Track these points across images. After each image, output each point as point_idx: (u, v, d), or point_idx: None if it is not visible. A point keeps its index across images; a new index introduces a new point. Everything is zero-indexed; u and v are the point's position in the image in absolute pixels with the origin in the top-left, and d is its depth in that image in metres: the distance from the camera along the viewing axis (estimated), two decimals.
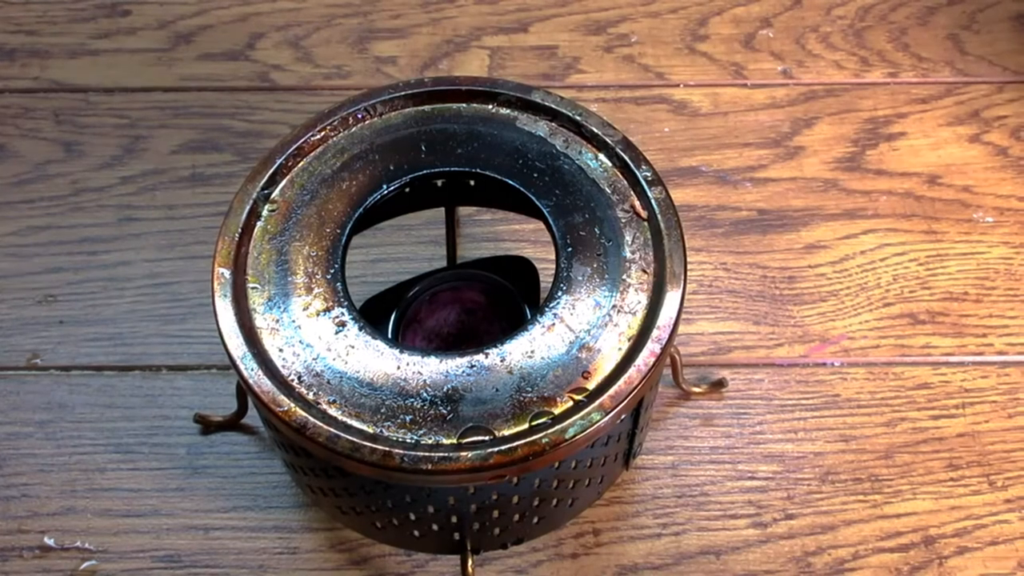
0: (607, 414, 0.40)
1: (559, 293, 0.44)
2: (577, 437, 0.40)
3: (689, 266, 0.60)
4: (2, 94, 0.69)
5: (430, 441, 0.40)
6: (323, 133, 0.48)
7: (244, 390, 0.51)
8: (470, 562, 0.47)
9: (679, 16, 0.73)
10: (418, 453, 0.39)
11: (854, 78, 0.70)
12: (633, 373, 0.41)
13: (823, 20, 0.73)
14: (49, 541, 0.52)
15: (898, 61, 0.70)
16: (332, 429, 0.40)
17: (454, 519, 0.45)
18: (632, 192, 0.47)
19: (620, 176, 0.47)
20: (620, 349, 0.42)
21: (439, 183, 0.52)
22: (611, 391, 0.41)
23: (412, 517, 0.45)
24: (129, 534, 0.52)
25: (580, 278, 0.44)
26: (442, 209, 0.54)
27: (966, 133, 0.67)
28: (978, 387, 0.57)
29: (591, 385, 0.41)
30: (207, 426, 0.55)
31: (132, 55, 0.70)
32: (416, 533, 0.46)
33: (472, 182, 0.51)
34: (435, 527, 0.45)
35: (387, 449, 0.39)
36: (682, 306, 0.43)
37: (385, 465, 0.39)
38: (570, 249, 0.45)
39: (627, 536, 0.52)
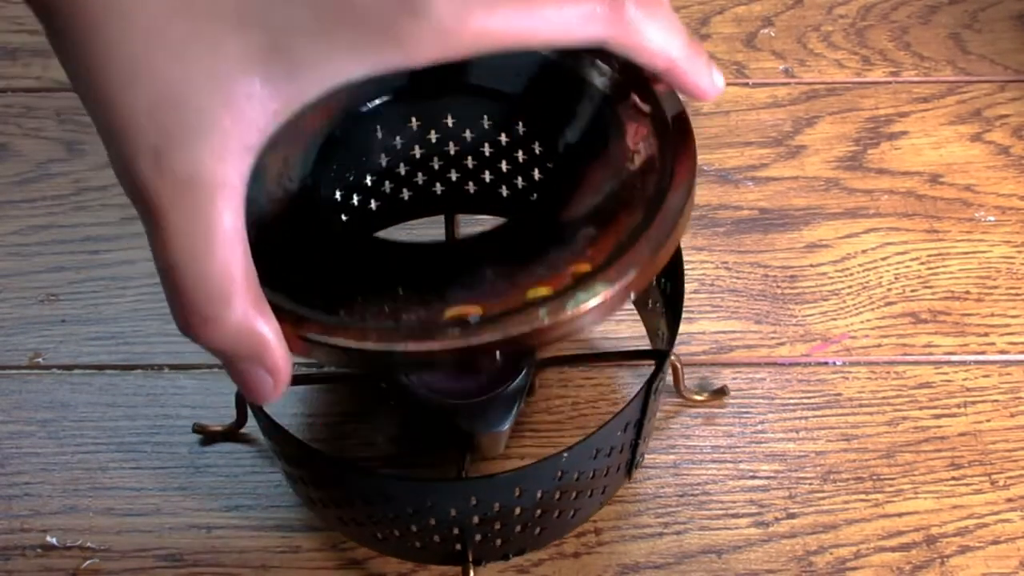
0: (612, 285, 0.36)
1: (558, 178, 0.41)
2: (580, 308, 0.35)
3: (690, 265, 0.61)
4: (4, 93, 0.69)
5: (413, 318, 0.36)
6: None
7: (243, 399, 0.51)
8: (471, 574, 0.47)
9: (680, 15, 0.72)
10: (399, 332, 0.35)
11: (856, 77, 0.70)
12: (641, 246, 0.37)
13: (824, 19, 0.73)
14: (51, 540, 0.52)
15: (900, 60, 0.70)
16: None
17: (456, 530, 0.44)
18: (633, 91, 0.43)
19: (620, 77, 0.44)
20: (625, 230, 0.38)
21: (439, 190, 0.53)
22: (616, 263, 0.36)
23: (413, 528, 0.44)
24: (131, 533, 0.52)
25: (581, 166, 0.41)
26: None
27: (968, 132, 0.67)
28: (980, 386, 0.57)
29: (593, 265, 0.37)
30: (206, 435, 0.55)
31: None
32: (417, 544, 0.46)
33: (472, 189, 0.51)
34: (436, 538, 0.45)
35: (362, 327, 0.35)
36: (692, 193, 0.39)
37: (362, 349, 0.35)
38: (568, 142, 0.42)
39: (629, 535, 0.52)
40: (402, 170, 0.53)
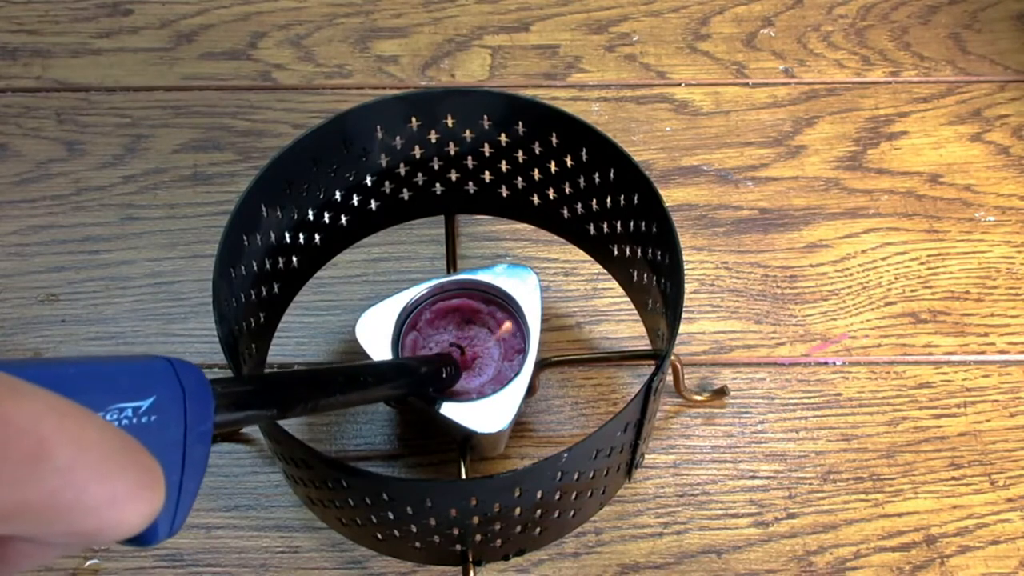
0: None
1: None
2: None
3: (690, 265, 0.61)
4: (4, 93, 0.69)
5: None
6: None
7: None
8: (471, 574, 0.47)
9: (680, 15, 0.73)
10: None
11: (855, 77, 0.70)
12: None
13: (824, 19, 0.73)
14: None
15: (899, 60, 0.70)
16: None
17: (456, 531, 0.44)
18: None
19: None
20: None
21: (439, 190, 0.52)
22: None
23: (414, 529, 0.44)
24: None
25: None
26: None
27: (967, 132, 0.67)
28: (980, 386, 0.57)
29: None
30: None
31: (134, 54, 0.70)
32: (417, 545, 0.46)
33: (472, 189, 0.51)
34: (437, 539, 0.45)
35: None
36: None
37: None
38: None
39: (629, 535, 0.52)
40: (402, 170, 0.53)
